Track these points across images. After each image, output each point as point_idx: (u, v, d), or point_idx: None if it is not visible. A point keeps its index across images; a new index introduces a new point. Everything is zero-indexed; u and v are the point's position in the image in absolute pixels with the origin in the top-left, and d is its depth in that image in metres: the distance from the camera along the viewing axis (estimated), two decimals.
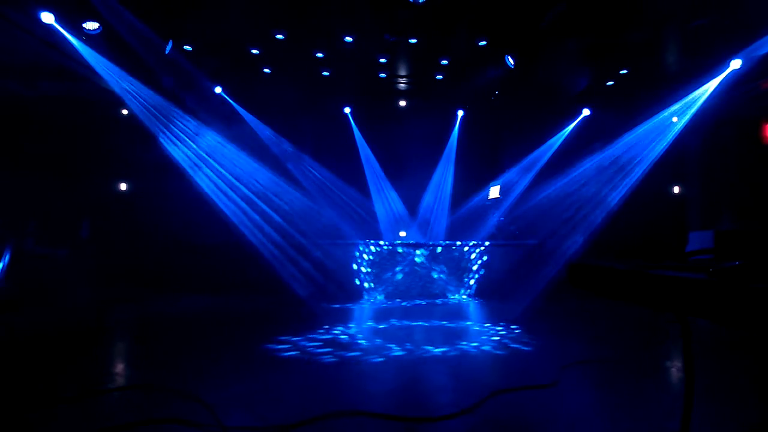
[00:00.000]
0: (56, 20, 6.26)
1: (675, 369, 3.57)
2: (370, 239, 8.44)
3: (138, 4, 6.51)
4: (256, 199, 8.64)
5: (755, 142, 7.30)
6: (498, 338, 4.64)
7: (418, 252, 8.06)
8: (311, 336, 4.63)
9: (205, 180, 8.42)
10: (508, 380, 3.20)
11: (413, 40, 7.82)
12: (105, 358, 4.02)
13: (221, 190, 8.49)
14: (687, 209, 8.89)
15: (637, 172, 8.56)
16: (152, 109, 7.98)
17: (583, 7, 6.55)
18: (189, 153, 8.39)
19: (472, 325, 5.51)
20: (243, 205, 8.48)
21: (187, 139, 8.46)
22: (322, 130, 9.83)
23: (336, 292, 7.57)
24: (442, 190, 10.30)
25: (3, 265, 6.85)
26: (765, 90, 7.16)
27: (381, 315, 6.16)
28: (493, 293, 7.87)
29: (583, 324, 5.63)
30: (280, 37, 7.55)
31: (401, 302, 7.42)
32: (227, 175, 8.64)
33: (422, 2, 6.51)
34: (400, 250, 8.07)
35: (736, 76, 7.12)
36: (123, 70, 7.45)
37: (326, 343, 4.39)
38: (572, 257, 7.97)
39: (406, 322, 5.54)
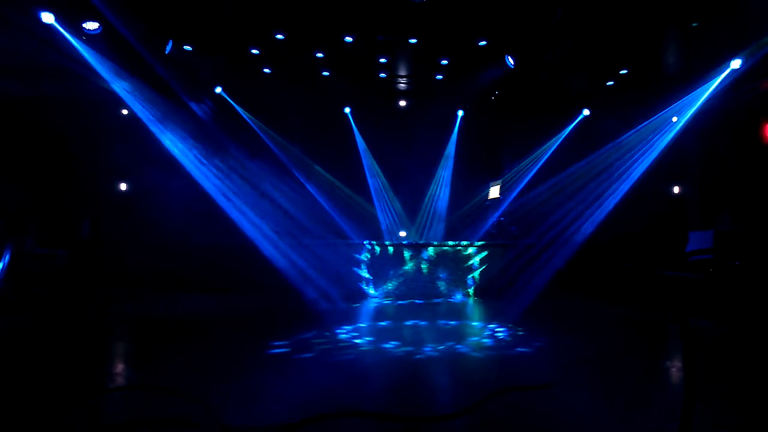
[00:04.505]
0: (56, 20, 6.26)
1: (675, 369, 3.57)
2: (370, 239, 8.44)
3: (138, 4, 6.51)
4: (257, 199, 8.66)
5: (755, 142, 7.30)
6: (498, 338, 4.64)
7: (418, 252, 8.06)
8: (312, 335, 4.63)
9: (206, 179, 8.43)
10: (510, 380, 3.20)
11: (413, 40, 7.82)
12: (105, 358, 4.02)
13: (222, 190, 8.50)
14: (687, 209, 8.89)
15: (637, 172, 8.56)
16: (152, 107, 7.98)
17: (583, 7, 6.55)
18: (192, 153, 8.39)
19: (472, 324, 5.52)
20: (244, 205, 8.49)
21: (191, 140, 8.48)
22: (322, 130, 9.83)
23: (336, 292, 7.57)
24: (442, 190, 10.31)
25: (3, 265, 6.85)
26: (765, 90, 7.16)
27: (381, 315, 6.16)
28: (494, 293, 7.87)
29: (584, 324, 5.63)
30: (280, 37, 7.56)
31: (402, 302, 7.42)
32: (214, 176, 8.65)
33: (422, 1, 6.51)
34: (400, 250, 8.07)
35: (736, 76, 7.12)
36: (123, 69, 7.45)
37: (327, 342, 4.39)
38: (573, 257, 7.97)
39: (406, 322, 5.54)
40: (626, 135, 8.85)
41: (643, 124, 8.65)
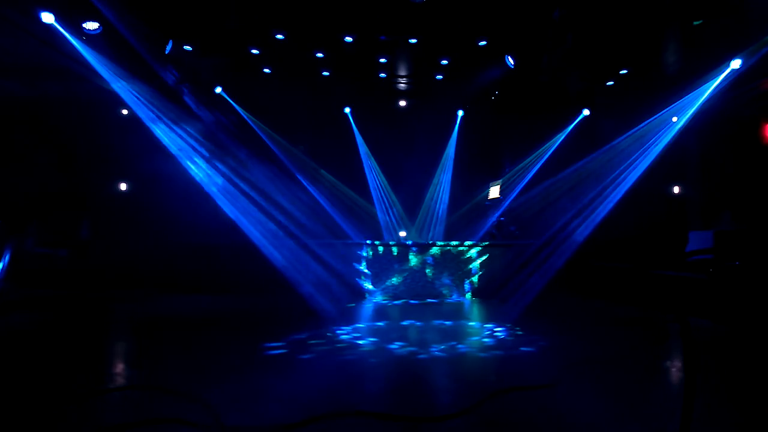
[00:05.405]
0: (56, 20, 6.26)
1: (675, 369, 3.57)
2: (370, 239, 8.44)
3: (138, 4, 6.51)
4: (258, 199, 8.66)
5: (755, 142, 7.30)
6: (498, 338, 4.64)
7: (418, 252, 8.06)
8: (312, 335, 4.63)
9: (206, 179, 8.43)
10: (509, 380, 3.20)
11: (413, 40, 7.82)
12: (105, 358, 4.02)
13: (224, 189, 8.50)
14: (687, 209, 8.89)
15: (637, 173, 8.55)
16: (152, 107, 7.98)
17: (583, 7, 6.56)
18: (188, 146, 8.39)
19: (472, 325, 5.52)
20: (245, 204, 8.49)
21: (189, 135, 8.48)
22: (322, 130, 9.83)
23: (336, 292, 7.57)
24: (442, 189, 10.31)
25: (3, 265, 6.85)
26: (765, 90, 7.16)
27: (381, 315, 6.16)
28: (493, 293, 7.86)
29: (583, 324, 5.63)
30: (280, 37, 7.56)
31: (402, 302, 7.42)
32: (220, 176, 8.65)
33: (422, 1, 6.52)
34: (400, 250, 8.07)
35: (736, 76, 7.12)
36: (123, 69, 7.45)
37: (327, 342, 4.39)
38: (572, 257, 7.96)
39: (406, 322, 5.54)
40: (626, 135, 8.85)
41: (643, 124, 8.65)
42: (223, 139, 8.99)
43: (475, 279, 8.09)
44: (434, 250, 8.11)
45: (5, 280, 6.83)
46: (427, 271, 8.02)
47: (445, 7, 6.74)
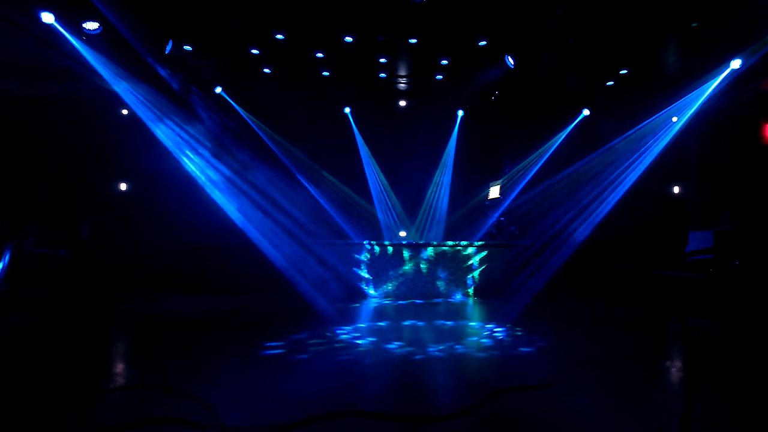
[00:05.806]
0: (56, 20, 6.26)
1: (675, 369, 3.57)
2: (370, 239, 8.44)
3: (138, 4, 6.51)
4: (258, 199, 8.66)
5: (755, 142, 7.30)
6: (498, 338, 4.64)
7: (417, 252, 8.06)
8: (312, 335, 4.63)
9: (206, 179, 8.43)
10: (509, 380, 3.20)
11: (413, 40, 7.82)
12: (105, 357, 4.02)
13: (223, 190, 8.49)
14: (687, 209, 8.89)
15: (637, 172, 8.55)
16: (152, 107, 7.98)
17: (583, 7, 6.56)
18: (188, 142, 8.39)
19: (472, 325, 5.51)
20: (245, 204, 8.48)
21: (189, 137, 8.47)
22: (322, 130, 9.83)
23: (336, 292, 7.56)
24: (442, 190, 10.30)
25: (3, 265, 6.86)
26: (765, 90, 7.16)
27: (381, 315, 6.16)
28: (493, 293, 7.86)
29: (583, 324, 5.62)
30: (280, 37, 7.56)
31: (402, 302, 7.41)
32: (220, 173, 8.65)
33: (422, 1, 6.52)
34: (399, 250, 8.06)
35: (736, 76, 7.11)
36: (123, 69, 7.45)
37: (327, 342, 4.39)
38: (572, 257, 7.96)
39: (406, 322, 5.54)
40: (626, 135, 8.85)
41: (643, 124, 8.65)
42: (225, 140, 8.99)
43: (476, 276, 8.09)
44: (434, 250, 8.11)
45: (5, 280, 6.83)
46: (426, 271, 8.01)
47: (445, 7, 6.74)
